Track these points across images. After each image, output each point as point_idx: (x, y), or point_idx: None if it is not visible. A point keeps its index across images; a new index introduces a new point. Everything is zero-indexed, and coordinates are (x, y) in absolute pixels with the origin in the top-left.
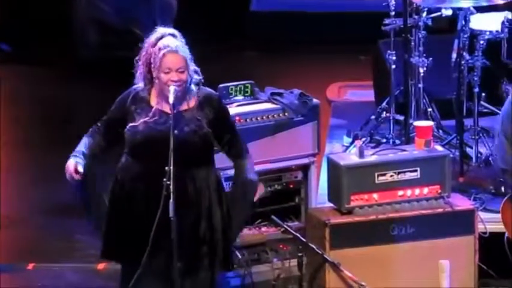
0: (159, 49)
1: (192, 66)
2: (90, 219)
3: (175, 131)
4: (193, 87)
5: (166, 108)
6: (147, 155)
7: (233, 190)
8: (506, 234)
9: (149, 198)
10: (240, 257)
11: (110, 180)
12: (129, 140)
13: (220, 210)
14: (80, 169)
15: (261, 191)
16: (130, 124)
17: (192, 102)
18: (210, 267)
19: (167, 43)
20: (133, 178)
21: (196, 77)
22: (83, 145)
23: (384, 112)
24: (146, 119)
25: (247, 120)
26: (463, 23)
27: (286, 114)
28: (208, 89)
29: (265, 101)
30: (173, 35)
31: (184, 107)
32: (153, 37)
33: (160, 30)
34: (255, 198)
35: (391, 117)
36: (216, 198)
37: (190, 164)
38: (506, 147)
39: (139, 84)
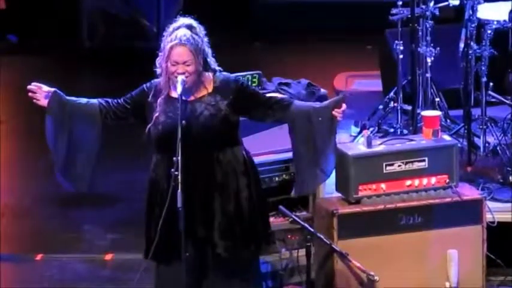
0: (169, 41)
1: (210, 58)
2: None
3: (199, 117)
4: (209, 74)
5: (184, 97)
6: (173, 146)
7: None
8: None
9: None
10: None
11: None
12: (153, 134)
13: (248, 192)
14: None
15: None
16: (153, 118)
17: (210, 88)
18: (238, 251)
19: (178, 35)
20: (165, 174)
21: (213, 66)
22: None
23: (392, 102)
24: (165, 109)
25: None
26: (471, 12)
27: None
28: (224, 73)
29: (273, 91)
30: (189, 27)
31: (203, 92)
32: (170, 28)
33: (180, 20)
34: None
35: (399, 107)
36: (244, 181)
37: (215, 147)
38: None
39: (158, 78)
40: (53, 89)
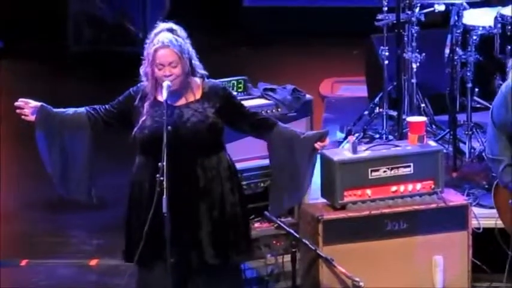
0: (152, 45)
1: (194, 60)
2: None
3: (186, 123)
4: (197, 80)
5: (170, 101)
6: (158, 150)
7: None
8: (497, 226)
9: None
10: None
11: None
12: (139, 138)
13: (232, 197)
14: (32, 104)
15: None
16: (139, 122)
17: (198, 94)
18: (224, 257)
19: (161, 39)
20: (148, 177)
21: (200, 71)
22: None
23: (377, 107)
24: (152, 113)
25: None
26: (456, 18)
27: (279, 109)
28: (213, 81)
29: (258, 97)
30: (170, 30)
31: (190, 98)
32: (152, 33)
33: (160, 25)
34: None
35: (384, 113)
36: (228, 186)
37: (200, 153)
38: (495, 135)
39: (144, 82)
40: (39, 104)
